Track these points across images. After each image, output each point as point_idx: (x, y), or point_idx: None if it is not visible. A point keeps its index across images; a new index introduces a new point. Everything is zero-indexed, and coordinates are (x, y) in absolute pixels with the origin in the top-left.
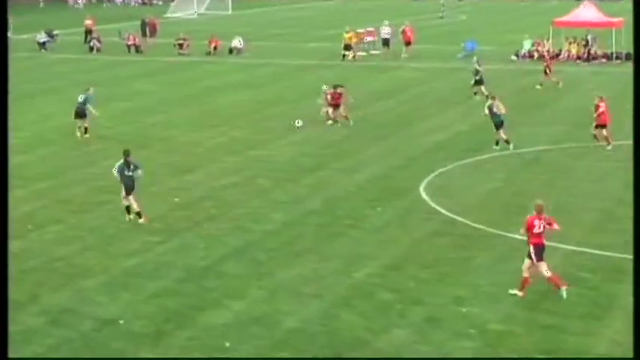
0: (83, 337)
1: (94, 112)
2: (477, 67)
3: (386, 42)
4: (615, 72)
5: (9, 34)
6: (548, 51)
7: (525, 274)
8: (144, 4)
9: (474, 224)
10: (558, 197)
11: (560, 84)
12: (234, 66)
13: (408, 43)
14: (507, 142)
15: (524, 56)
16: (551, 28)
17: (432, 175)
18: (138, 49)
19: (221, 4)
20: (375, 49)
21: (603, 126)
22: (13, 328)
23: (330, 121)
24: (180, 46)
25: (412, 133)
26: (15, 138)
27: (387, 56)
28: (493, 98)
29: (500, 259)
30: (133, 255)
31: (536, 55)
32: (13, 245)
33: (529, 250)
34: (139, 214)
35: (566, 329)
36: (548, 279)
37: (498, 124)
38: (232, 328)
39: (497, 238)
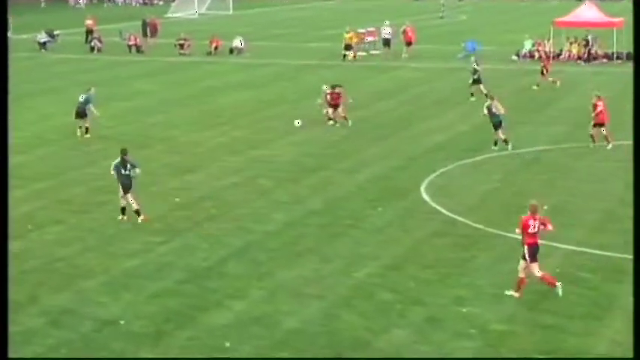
0: (83, 337)
1: (95, 112)
2: (475, 67)
3: (387, 42)
4: (616, 72)
5: (9, 34)
6: (545, 51)
7: (521, 275)
8: (145, 4)
9: (474, 224)
10: (559, 197)
11: (558, 83)
12: (235, 66)
13: (408, 43)
14: (506, 141)
15: (524, 56)
16: (551, 28)
17: (433, 175)
18: (139, 49)
19: (222, 4)
20: (375, 49)
21: (601, 125)
22: (13, 328)
23: (330, 122)
24: (181, 46)
25: (413, 133)
26: (15, 138)
27: (387, 56)
28: (492, 98)
29: (501, 260)
30: (133, 255)
31: (536, 55)
32: (13, 246)
33: (523, 250)
34: (137, 212)
35: (567, 329)
36: (541, 278)
37: (497, 125)
38: (233, 329)
39: (498, 238)
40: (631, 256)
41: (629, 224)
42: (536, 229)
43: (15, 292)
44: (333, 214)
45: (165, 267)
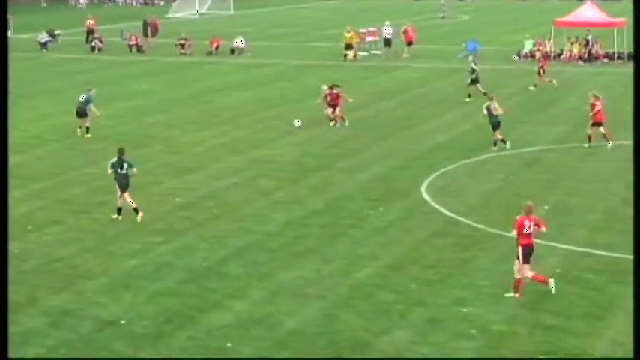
0: (83, 338)
1: (96, 111)
2: (473, 66)
3: (387, 42)
4: (617, 72)
5: (10, 34)
6: (542, 51)
7: (517, 276)
8: (146, 4)
9: (475, 224)
10: (560, 197)
11: (554, 82)
12: (236, 66)
13: (409, 43)
14: (504, 141)
15: (525, 56)
16: (552, 28)
17: (434, 175)
18: (140, 49)
19: (223, 4)
20: (376, 49)
21: (599, 124)
22: (13, 329)
23: (332, 122)
24: (182, 46)
25: (414, 133)
26: (14, 138)
27: (388, 56)
28: (491, 99)
29: (502, 260)
30: (133, 255)
31: (537, 55)
32: (13, 246)
33: (517, 251)
34: (136, 210)
35: (568, 329)
36: (532, 279)
37: (495, 125)
38: (233, 329)
39: (499, 238)
40: (632, 256)
41: (630, 224)
42: (530, 230)
43: (14, 293)
44: (334, 214)
45: (165, 267)
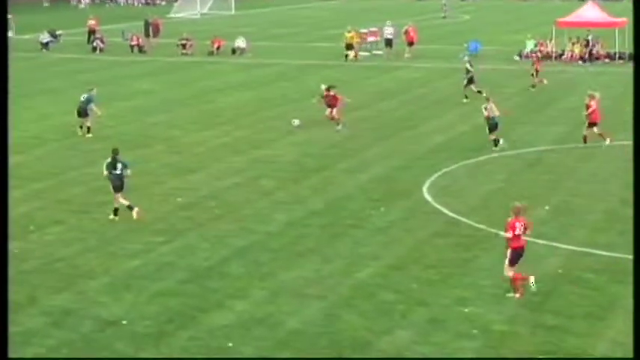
0: (84, 338)
1: (98, 111)
2: (468, 67)
3: (389, 42)
4: (618, 72)
5: (11, 34)
6: (542, 52)
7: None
8: (147, 4)
9: (477, 225)
10: (561, 197)
11: (545, 81)
12: (237, 66)
13: (410, 43)
14: (496, 141)
15: (527, 56)
16: (554, 28)
17: (436, 175)
18: (141, 50)
19: (224, 4)
20: (377, 49)
21: (594, 124)
22: (13, 329)
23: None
24: (183, 46)
25: (415, 133)
26: (14, 138)
27: (389, 56)
28: (487, 100)
29: (504, 260)
30: (134, 256)
31: (533, 57)
32: (14, 246)
33: (506, 253)
34: (130, 207)
35: (569, 330)
36: (511, 278)
37: (493, 126)
38: (234, 329)
39: (500, 238)
40: (632, 256)
41: (630, 224)
42: (521, 231)
43: (15, 293)
44: (336, 214)
45: (166, 267)
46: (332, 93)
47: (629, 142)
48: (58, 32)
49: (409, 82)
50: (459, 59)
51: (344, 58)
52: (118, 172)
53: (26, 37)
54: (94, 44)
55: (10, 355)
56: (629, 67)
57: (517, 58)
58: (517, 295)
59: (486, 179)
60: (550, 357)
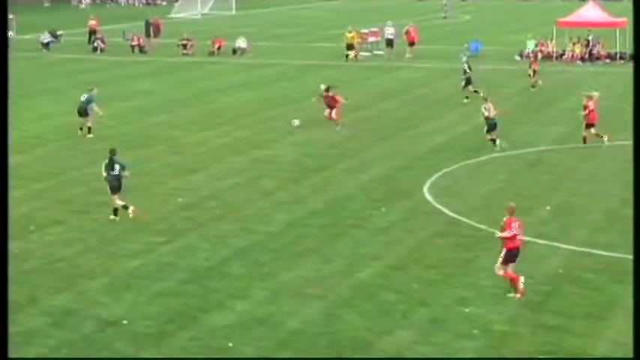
0: (85, 338)
1: (99, 111)
2: (465, 68)
3: (389, 42)
4: (619, 72)
5: (12, 33)
6: (542, 52)
7: (510, 276)
8: (148, 4)
9: (477, 225)
10: (561, 198)
11: (540, 82)
12: (238, 66)
13: (411, 44)
14: (493, 141)
15: (527, 56)
16: (554, 28)
17: (436, 175)
18: (142, 50)
19: (225, 4)
20: (378, 50)
21: (591, 125)
22: (14, 329)
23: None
24: (184, 46)
25: (416, 133)
26: (14, 138)
27: (390, 56)
28: (485, 100)
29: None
30: (135, 256)
31: (539, 55)
32: (14, 246)
33: (501, 252)
34: (125, 207)
35: (569, 330)
36: (503, 275)
37: (491, 126)
38: (235, 329)
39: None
40: (632, 256)
41: (630, 224)
42: (516, 231)
43: (16, 293)
44: (336, 214)
45: (167, 267)
46: (331, 94)
47: (629, 142)
48: (58, 32)
49: (410, 83)
50: (460, 59)
51: (344, 58)
52: (116, 172)
53: (27, 37)
54: (95, 44)
55: (11, 355)
56: (629, 68)
57: (518, 58)
58: (518, 295)
59: (487, 179)
60: (550, 357)
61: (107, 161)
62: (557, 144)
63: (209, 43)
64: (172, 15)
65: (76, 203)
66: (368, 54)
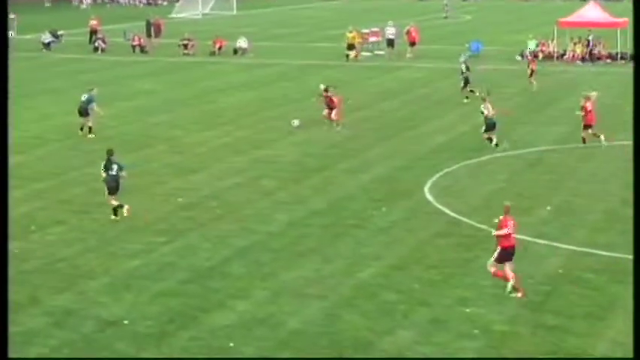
0: (85, 338)
1: (100, 111)
2: (463, 69)
3: (390, 42)
4: (619, 72)
5: (13, 33)
6: (543, 52)
7: (508, 275)
8: (149, 4)
9: (478, 225)
10: (562, 198)
11: (534, 83)
12: (238, 66)
13: (412, 44)
14: (490, 139)
15: (526, 56)
16: (555, 28)
17: (437, 175)
18: (143, 50)
19: (226, 4)
20: (379, 50)
21: (589, 126)
22: (14, 329)
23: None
24: (185, 46)
25: (417, 133)
26: (14, 138)
27: (391, 56)
28: (484, 100)
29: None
30: (135, 256)
31: (540, 55)
32: (15, 246)
33: (497, 250)
34: (120, 206)
35: (569, 330)
36: (493, 274)
37: (490, 126)
38: (236, 329)
39: None
40: (632, 256)
41: (630, 224)
42: (512, 230)
43: (16, 293)
44: (337, 214)
45: (167, 267)
46: (329, 94)
47: (629, 142)
48: (59, 32)
49: (411, 83)
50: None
51: (345, 58)
52: (114, 172)
53: (28, 37)
54: (96, 44)
55: (12, 355)
56: (630, 68)
57: (519, 58)
58: (519, 295)
59: (487, 179)
60: (550, 357)
61: (105, 161)
62: (558, 144)
63: (210, 43)
64: (173, 15)
65: (77, 203)
66: (369, 54)
